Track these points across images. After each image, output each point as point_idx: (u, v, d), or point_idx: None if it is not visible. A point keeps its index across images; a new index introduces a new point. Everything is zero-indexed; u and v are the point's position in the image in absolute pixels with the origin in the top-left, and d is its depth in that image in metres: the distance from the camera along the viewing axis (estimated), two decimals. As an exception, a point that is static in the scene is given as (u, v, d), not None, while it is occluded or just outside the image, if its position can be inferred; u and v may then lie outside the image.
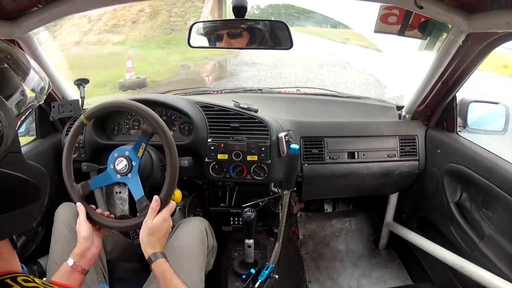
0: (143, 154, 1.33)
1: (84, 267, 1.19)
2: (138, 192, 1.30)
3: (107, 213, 1.35)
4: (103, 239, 1.46)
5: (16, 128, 0.67)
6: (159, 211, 1.24)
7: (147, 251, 1.18)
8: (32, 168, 0.72)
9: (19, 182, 0.67)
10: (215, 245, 1.61)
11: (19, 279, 0.66)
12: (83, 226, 1.24)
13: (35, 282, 0.67)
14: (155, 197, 1.24)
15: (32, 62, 0.74)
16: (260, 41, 1.43)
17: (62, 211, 1.46)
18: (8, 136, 0.63)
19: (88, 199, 1.51)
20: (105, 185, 1.39)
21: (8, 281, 0.64)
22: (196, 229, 1.51)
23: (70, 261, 1.17)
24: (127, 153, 1.31)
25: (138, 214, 1.29)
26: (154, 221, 1.21)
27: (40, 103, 0.73)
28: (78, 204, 1.29)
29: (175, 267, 1.33)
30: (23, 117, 0.68)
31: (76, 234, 1.26)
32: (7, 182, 0.65)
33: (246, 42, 1.44)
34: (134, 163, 1.31)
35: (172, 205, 1.27)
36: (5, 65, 0.66)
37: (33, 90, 0.71)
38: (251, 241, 1.64)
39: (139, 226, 1.26)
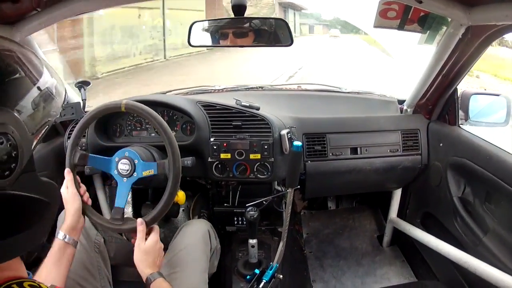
0: (146, 176, 1.32)
1: (76, 238, 1.19)
2: (121, 201, 1.30)
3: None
4: (107, 244, 1.46)
5: (32, 148, 0.65)
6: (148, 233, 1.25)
7: (144, 272, 1.18)
8: (44, 185, 0.71)
9: (32, 202, 0.66)
10: (218, 247, 1.61)
11: (25, 284, 0.65)
12: (73, 198, 1.24)
13: (41, 287, 0.67)
14: (139, 220, 1.24)
15: (45, 69, 0.72)
16: (264, 39, 1.44)
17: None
18: (24, 157, 0.62)
19: (92, 202, 1.50)
20: (99, 171, 1.38)
21: (15, 286, 0.64)
22: (199, 231, 1.51)
23: (61, 235, 1.17)
24: (136, 161, 1.31)
25: (110, 221, 1.30)
26: (148, 244, 1.22)
27: (56, 116, 0.71)
28: (67, 170, 1.29)
29: (178, 269, 1.33)
30: (39, 135, 0.67)
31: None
32: (19, 204, 0.64)
33: (251, 41, 1.45)
34: (135, 174, 1.31)
35: (156, 228, 1.29)
36: (17, 75, 0.63)
37: (46, 99, 0.68)
38: (254, 241, 1.64)
39: (130, 230, 1.28)
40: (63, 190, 1.26)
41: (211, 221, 1.86)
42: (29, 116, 0.63)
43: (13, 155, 0.60)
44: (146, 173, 1.31)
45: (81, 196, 1.29)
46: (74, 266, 1.22)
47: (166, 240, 1.46)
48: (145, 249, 1.21)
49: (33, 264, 1.60)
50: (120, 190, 1.32)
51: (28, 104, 0.63)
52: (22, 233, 0.64)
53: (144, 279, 1.18)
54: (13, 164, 0.60)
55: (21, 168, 0.62)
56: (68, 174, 1.28)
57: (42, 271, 1.11)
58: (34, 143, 0.65)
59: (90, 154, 1.35)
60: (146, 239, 1.23)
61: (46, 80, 0.69)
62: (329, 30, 23.75)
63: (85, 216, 1.28)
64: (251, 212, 1.53)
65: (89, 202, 1.33)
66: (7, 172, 0.59)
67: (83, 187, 1.33)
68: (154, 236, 1.25)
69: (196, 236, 1.48)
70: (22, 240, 0.65)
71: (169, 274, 1.33)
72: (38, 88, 0.67)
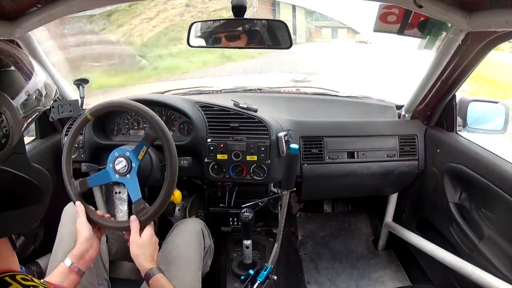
0: (143, 157, 1.33)
1: (81, 268, 1.18)
2: (136, 194, 1.30)
3: (107, 215, 1.34)
4: (108, 241, 1.46)
5: (22, 130, 0.67)
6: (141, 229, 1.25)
7: (143, 266, 1.18)
8: (36, 171, 0.72)
9: (23, 182, 0.67)
10: (212, 246, 1.61)
11: (18, 277, 0.66)
12: (83, 227, 1.23)
13: (34, 281, 0.68)
14: (132, 217, 1.25)
15: (37, 66, 0.74)
16: (259, 41, 1.44)
17: (71, 210, 1.45)
18: (14, 136, 0.64)
19: (88, 200, 1.50)
20: (103, 184, 1.39)
21: (7, 279, 0.64)
22: (192, 230, 1.51)
23: (68, 262, 1.16)
24: (127, 153, 1.32)
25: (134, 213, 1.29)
26: (143, 237, 1.22)
27: (46, 107, 0.73)
28: (78, 203, 1.29)
29: (171, 267, 1.33)
30: (29, 119, 0.69)
31: None
32: (10, 181, 0.65)
33: (245, 43, 1.44)
34: (134, 164, 1.31)
35: (151, 224, 1.29)
36: (12, 67, 0.66)
37: (39, 93, 0.71)
38: (249, 242, 1.64)
39: (126, 228, 1.27)
40: (77, 220, 1.26)
41: (207, 221, 1.86)
42: (21, 103, 0.66)
43: (5, 131, 0.62)
44: (141, 155, 1.32)
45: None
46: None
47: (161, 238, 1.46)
48: (142, 243, 1.21)
49: (27, 260, 1.61)
50: (128, 187, 1.32)
51: (20, 92, 0.66)
52: (10, 211, 0.65)
53: (143, 274, 1.18)
54: (4, 139, 0.62)
55: (11, 146, 0.63)
56: (79, 205, 1.28)
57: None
58: (24, 125, 0.68)
59: (87, 177, 1.35)
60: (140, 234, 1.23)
61: (38, 78, 0.72)
62: (355, 35, 17.95)
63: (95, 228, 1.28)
64: (246, 213, 1.53)
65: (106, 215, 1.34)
66: None
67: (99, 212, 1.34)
68: (149, 229, 1.25)
69: (190, 235, 1.48)
70: (11, 219, 0.66)
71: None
72: (29, 83, 0.69)
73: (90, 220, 1.27)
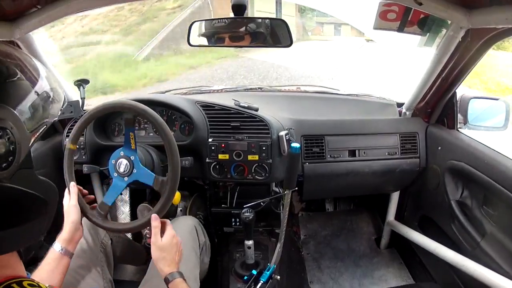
0: (136, 144, 1.32)
1: (71, 250, 1.18)
2: (149, 179, 1.29)
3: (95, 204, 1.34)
4: (113, 244, 1.45)
5: (30, 145, 0.68)
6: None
7: (163, 271, 1.17)
8: (42, 184, 0.73)
9: (29, 197, 0.68)
10: (207, 242, 1.61)
11: (25, 283, 0.66)
12: (73, 210, 1.23)
13: (40, 286, 0.68)
14: (154, 216, 1.23)
15: (43, 71, 0.74)
16: (261, 39, 1.43)
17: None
18: (21, 152, 0.64)
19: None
20: (118, 194, 1.38)
21: (14, 285, 0.65)
22: (185, 228, 1.50)
23: (58, 247, 1.16)
24: (122, 153, 1.31)
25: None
26: (164, 240, 1.20)
27: (55, 118, 0.74)
28: (72, 184, 1.29)
29: None
30: (37, 134, 0.69)
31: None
32: (16, 198, 0.65)
33: (247, 42, 1.44)
34: (132, 157, 1.30)
35: (169, 223, 1.27)
36: (18, 76, 0.66)
37: (46, 101, 0.71)
38: (250, 242, 1.63)
39: (144, 226, 1.26)
40: (64, 201, 1.26)
41: (207, 222, 1.86)
42: (28, 116, 0.66)
43: (11, 149, 0.62)
44: (133, 144, 1.31)
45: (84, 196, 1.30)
46: (76, 265, 1.22)
47: None
48: (162, 245, 1.19)
49: (30, 263, 1.61)
50: (141, 178, 1.31)
51: (27, 104, 0.66)
52: (18, 227, 0.66)
53: (162, 278, 1.16)
54: (11, 157, 0.62)
55: (19, 162, 0.64)
56: (73, 187, 1.28)
57: (35, 277, 1.11)
58: (32, 140, 0.68)
59: (103, 198, 1.33)
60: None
61: (44, 85, 0.71)
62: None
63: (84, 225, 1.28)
64: (246, 214, 1.53)
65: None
66: (4, 165, 0.62)
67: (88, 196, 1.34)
68: (170, 231, 1.23)
69: (183, 233, 1.47)
70: (18, 234, 0.66)
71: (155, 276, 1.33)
72: (36, 92, 0.69)
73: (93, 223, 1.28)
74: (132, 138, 1.31)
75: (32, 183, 0.69)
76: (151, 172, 1.30)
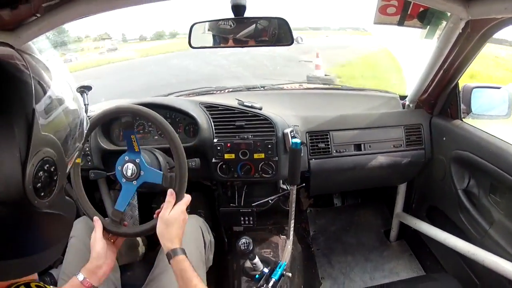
0: (139, 146, 1.32)
1: (94, 283, 1.16)
2: (157, 177, 1.31)
3: (125, 222, 1.34)
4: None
5: (67, 172, 0.69)
6: (175, 204, 1.23)
7: (166, 246, 1.16)
8: (68, 204, 0.74)
9: (61, 220, 0.70)
10: (212, 240, 1.59)
11: (33, 284, 0.67)
12: (97, 243, 1.23)
13: None
14: (170, 190, 1.23)
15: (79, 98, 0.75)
16: (264, 39, 1.44)
17: (78, 226, 1.45)
18: (62, 180, 0.66)
19: (98, 206, 1.51)
20: (130, 199, 1.39)
21: (22, 287, 0.66)
22: (190, 227, 1.50)
23: (80, 276, 1.15)
24: (126, 157, 1.32)
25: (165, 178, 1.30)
26: (171, 213, 1.20)
27: (84, 144, 0.77)
28: (95, 218, 1.29)
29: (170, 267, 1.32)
30: (73, 159, 0.71)
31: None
32: (52, 222, 0.68)
33: (250, 42, 1.45)
34: (138, 160, 1.31)
35: (187, 197, 1.27)
36: (60, 108, 0.67)
37: (79, 129, 0.72)
38: (255, 260, 1.58)
39: (155, 228, 1.27)
40: (92, 235, 1.26)
41: (214, 222, 1.86)
42: (66, 144, 0.67)
43: (55, 178, 0.64)
44: (136, 147, 1.32)
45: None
46: (80, 266, 1.21)
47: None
48: (168, 219, 1.19)
49: (41, 271, 1.63)
50: (150, 179, 1.32)
51: (65, 132, 0.67)
52: (50, 248, 0.68)
53: (165, 253, 1.16)
54: (54, 187, 0.64)
55: (58, 190, 0.66)
56: (96, 221, 1.28)
57: None
58: (68, 167, 0.69)
59: (115, 206, 1.34)
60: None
61: (80, 113, 0.73)
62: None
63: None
64: (243, 244, 1.47)
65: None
66: (48, 194, 0.63)
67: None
68: (180, 206, 1.23)
69: (188, 232, 1.45)
70: (49, 255, 0.69)
71: (162, 272, 1.34)
72: (74, 121, 0.70)
73: (108, 231, 1.29)
74: (134, 141, 1.31)
75: (62, 205, 0.70)
76: (158, 171, 1.31)
